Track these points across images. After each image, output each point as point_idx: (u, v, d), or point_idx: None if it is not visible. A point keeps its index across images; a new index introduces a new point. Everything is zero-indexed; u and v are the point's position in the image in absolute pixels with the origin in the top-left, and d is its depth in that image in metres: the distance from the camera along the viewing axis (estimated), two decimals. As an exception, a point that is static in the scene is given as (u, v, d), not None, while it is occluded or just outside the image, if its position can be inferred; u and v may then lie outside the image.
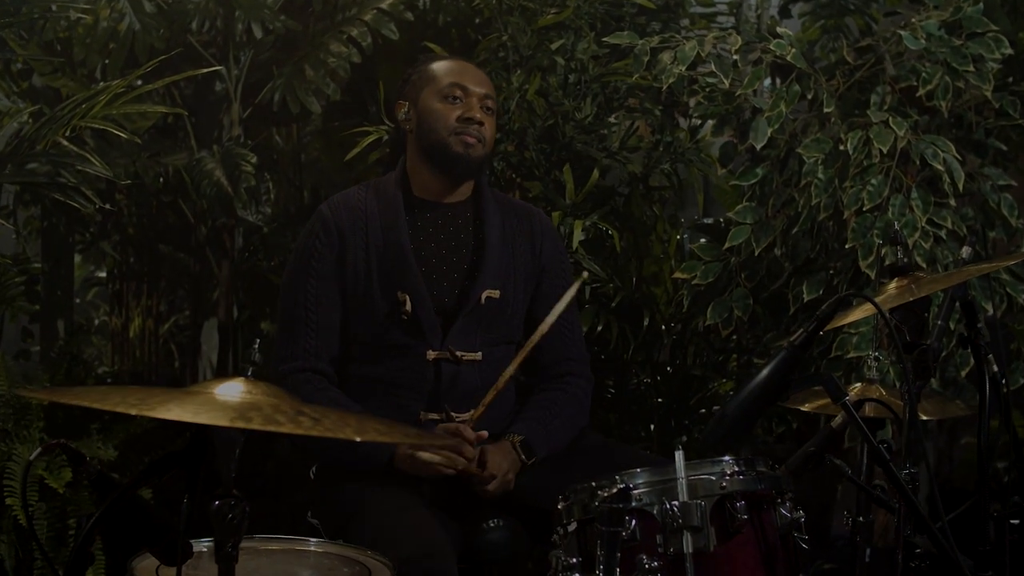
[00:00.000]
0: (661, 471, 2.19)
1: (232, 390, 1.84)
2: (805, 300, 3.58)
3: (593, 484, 2.15)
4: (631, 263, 3.91)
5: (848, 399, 2.18)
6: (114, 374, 4.29)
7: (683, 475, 2.14)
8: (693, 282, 3.68)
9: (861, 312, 2.42)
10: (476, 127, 2.89)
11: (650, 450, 4.02)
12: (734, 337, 3.91)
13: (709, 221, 4.39)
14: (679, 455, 2.14)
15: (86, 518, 2.35)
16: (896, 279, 2.49)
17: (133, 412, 1.68)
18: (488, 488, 2.76)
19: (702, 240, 4.19)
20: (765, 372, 2.21)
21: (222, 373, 4.28)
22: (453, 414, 2.84)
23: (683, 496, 2.13)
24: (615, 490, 2.03)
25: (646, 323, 3.83)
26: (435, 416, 2.85)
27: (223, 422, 1.68)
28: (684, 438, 4.06)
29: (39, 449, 2.02)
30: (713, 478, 2.18)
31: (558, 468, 2.85)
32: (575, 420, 2.99)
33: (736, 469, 2.21)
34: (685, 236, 4.30)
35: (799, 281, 3.62)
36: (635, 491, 2.12)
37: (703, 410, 4.06)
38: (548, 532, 2.46)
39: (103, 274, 4.88)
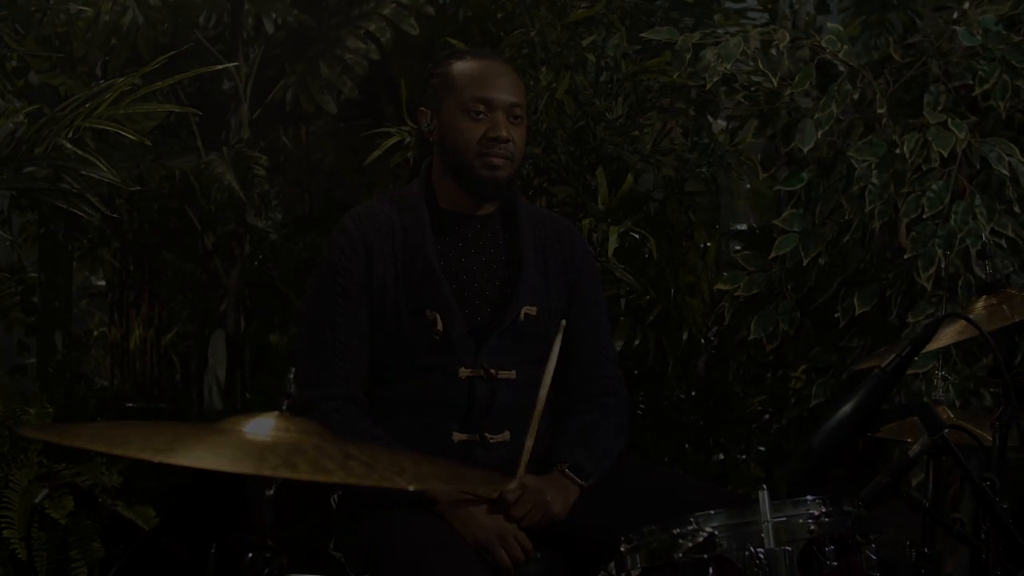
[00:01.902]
0: (742, 513, 1.98)
1: (264, 427, 1.62)
2: (856, 313, 3.37)
3: (675, 532, 1.92)
4: (667, 273, 3.69)
5: (947, 432, 1.97)
6: (115, 389, 4.07)
7: (769, 518, 1.91)
8: (735, 294, 3.47)
9: (954, 335, 2.20)
10: (502, 146, 2.65)
11: (684, 470, 3.83)
12: (771, 354, 3.71)
13: (743, 227, 4.19)
14: (764, 495, 1.92)
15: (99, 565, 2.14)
16: (984, 297, 2.28)
17: (157, 460, 1.45)
18: (514, 502, 2.55)
19: (737, 247, 4.00)
20: (853, 401, 2.01)
21: (230, 389, 4.07)
22: (487, 435, 2.65)
23: (769, 542, 1.91)
24: (700, 539, 1.81)
25: (685, 337, 3.61)
26: (467, 437, 2.66)
27: (266, 471, 1.46)
28: (721, 456, 3.87)
29: (45, 490, 1.80)
30: (800, 520, 1.96)
31: (597, 495, 2.67)
32: (617, 442, 2.81)
33: (824, 509, 1.99)
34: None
35: (849, 293, 3.41)
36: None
37: (740, 428, 3.86)
38: (589, 565, 2.31)
39: (102, 282, 4.67)
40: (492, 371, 2.66)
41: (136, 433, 1.58)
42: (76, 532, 3.06)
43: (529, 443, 2.60)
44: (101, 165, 2.82)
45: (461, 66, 2.71)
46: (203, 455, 1.48)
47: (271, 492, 1.75)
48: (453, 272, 2.70)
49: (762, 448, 3.82)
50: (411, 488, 1.54)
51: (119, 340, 4.37)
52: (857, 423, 2.00)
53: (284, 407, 1.70)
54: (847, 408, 2.00)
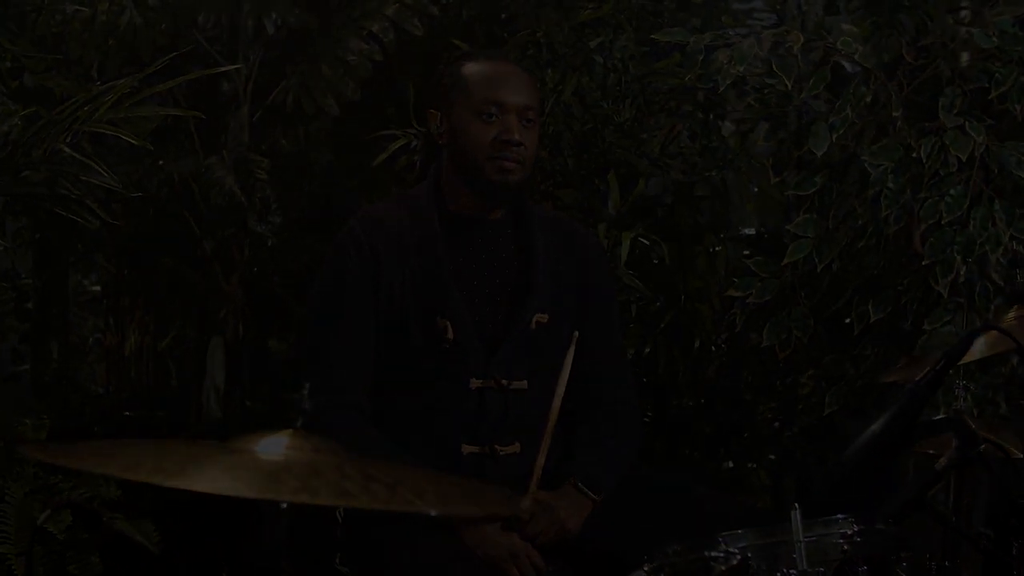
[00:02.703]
0: (773, 532, 1.91)
1: (276, 446, 1.54)
2: (871, 320, 3.31)
3: (705, 554, 1.85)
4: (676, 278, 3.63)
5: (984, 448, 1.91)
6: (112, 398, 3.99)
7: (802, 537, 1.85)
8: (748, 300, 3.40)
9: (985, 347, 2.14)
10: (514, 149, 2.58)
11: (693, 478, 3.77)
12: (782, 361, 3.65)
13: (751, 231, 4.13)
14: (796, 514, 1.85)
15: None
16: (1016, 307, 2.22)
17: (169, 484, 1.38)
18: (527, 519, 2.48)
19: (745, 252, 3.94)
20: (885, 417, 1.94)
21: (229, 396, 4.00)
22: (496, 446, 2.58)
23: (803, 563, 1.84)
24: (734, 563, 1.74)
25: (697, 345, 3.55)
26: (477, 449, 2.59)
27: (286, 496, 1.38)
28: (731, 464, 3.81)
29: (48, 512, 1.72)
30: (832, 540, 1.90)
31: (608, 506, 2.59)
32: (629, 453, 2.74)
33: (856, 528, 1.92)
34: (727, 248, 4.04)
35: (863, 300, 3.35)
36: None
37: (750, 436, 3.80)
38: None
39: (96, 288, 4.59)
40: (504, 382, 2.59)
41: (146, 454, 1.50)
42: (74, 547, 2.98)
43: (541, 459, 2.53)
44: (101, 170, 2.74)
45: (473, 67, 2.64)
46: (217, 479, 1.42)
47: (285, 506, 1.67)
48: (463, 278, 2.62)
49: (772, 456, 3.76)
50: (433, 513, 1.47)
51: (114, 347, 4.29)
52: (890, 439, 1.93)
53: (299, 423, 1.63)
54: (879, 424, 1.94)
